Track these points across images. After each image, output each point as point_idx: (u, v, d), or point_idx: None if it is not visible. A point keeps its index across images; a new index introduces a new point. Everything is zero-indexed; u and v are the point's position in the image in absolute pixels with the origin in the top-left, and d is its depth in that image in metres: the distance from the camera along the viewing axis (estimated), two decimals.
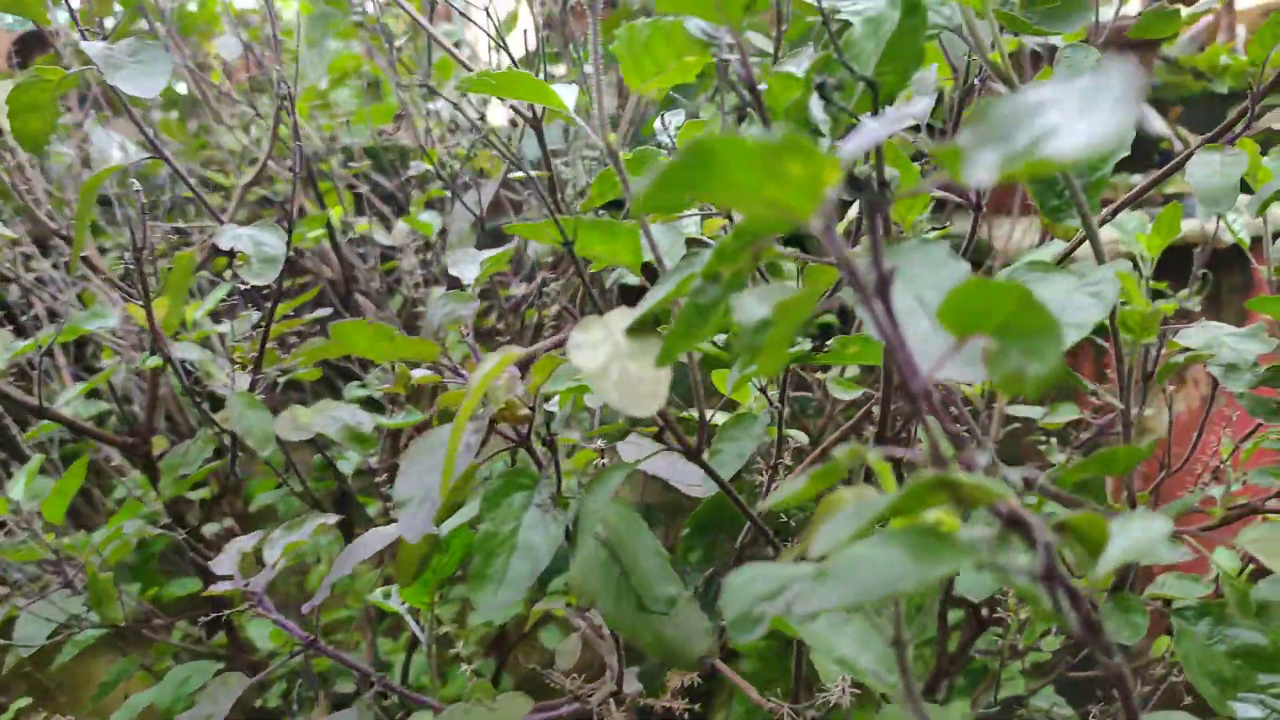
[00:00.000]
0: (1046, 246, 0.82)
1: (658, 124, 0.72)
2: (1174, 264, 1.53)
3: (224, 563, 0.76)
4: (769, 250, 0.49)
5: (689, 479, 0.90)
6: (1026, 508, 0.36)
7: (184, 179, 0.88)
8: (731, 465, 0.77)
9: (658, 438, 0.67)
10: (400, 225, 1.60)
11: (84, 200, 0.84)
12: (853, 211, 0.74)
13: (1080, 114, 0.28)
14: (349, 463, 1.31)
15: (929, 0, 0.59)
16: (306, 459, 1.54)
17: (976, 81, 0.67)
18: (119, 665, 1.52)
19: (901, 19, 0.48)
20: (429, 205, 1.59)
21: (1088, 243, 0.63)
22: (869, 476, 0.62)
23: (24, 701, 1.30)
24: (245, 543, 0.79)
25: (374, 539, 0.73)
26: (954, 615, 1.23)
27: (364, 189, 1.62)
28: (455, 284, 1.41)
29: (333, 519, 0.79)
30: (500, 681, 1.43)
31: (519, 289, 1.52)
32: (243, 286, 0.86)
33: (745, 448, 0.77)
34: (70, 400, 1.37)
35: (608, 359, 0.50)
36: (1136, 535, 0.38)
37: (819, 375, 1.27)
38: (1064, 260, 0.72)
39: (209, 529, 1.46)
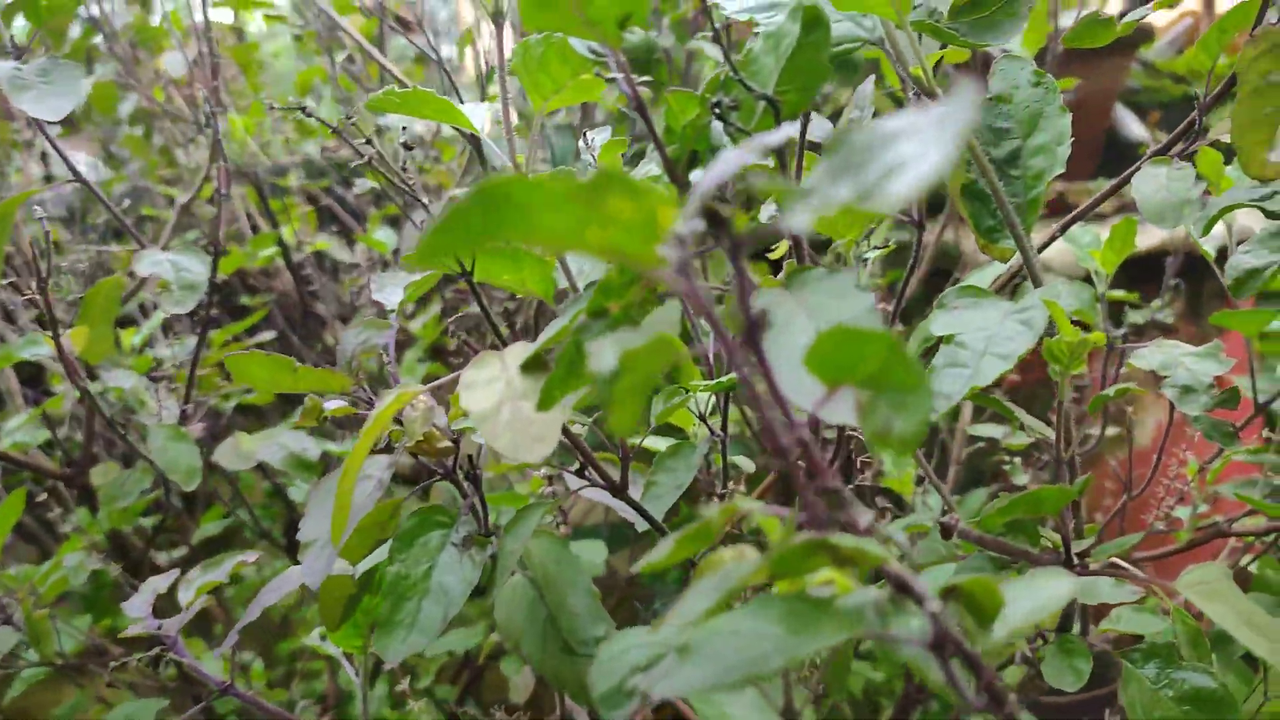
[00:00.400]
0: (990, 267, 0.79)
1: (581, 143, 0.69)
2: (1155, 270, 1.51)
3: (136, 604, 0.73)
4: (664, 283, 0.46)
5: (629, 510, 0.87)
6: (908, 567, 0.33)
7: (106, 204, 0.85)
8: (669, 498, 0.73)
9: (579, 474, 0.64)
10: (361, 245, 1.57)
11: (2, 225, 0.81)
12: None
13: (934, 144, 0.25)
14: (300, 489, 1.27)
15: (854, 13, 0.56)
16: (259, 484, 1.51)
17: (911, 95, 0.64)
18: (74, 699, 1.48)
19: (801, 34, 0.45)
20: (390, 221, 1.56)
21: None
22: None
23: None
24: (161, 582, 0.75)
25: (292, 577, 0.69)
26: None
27: (329, 202, 1.59)
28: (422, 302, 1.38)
29: (251, 556, 0.76)
30: (462, 711, 1.40)
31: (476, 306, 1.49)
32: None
33: (683, 479, 0.74)
34: (17, 428, 1.34)
35: (499, 399, 0.47)
36: (1041, 597, 0.35)
37: None
38: (1009, 284, 0.69)
39: (164, 557, 1.42)
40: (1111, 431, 1.00)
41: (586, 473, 0.63)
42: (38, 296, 0.77)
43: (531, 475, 1.05)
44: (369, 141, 0.69)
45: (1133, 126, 2.23)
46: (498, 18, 0.54)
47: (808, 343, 0.31)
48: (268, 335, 1.26)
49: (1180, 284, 1.41)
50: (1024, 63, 0.61)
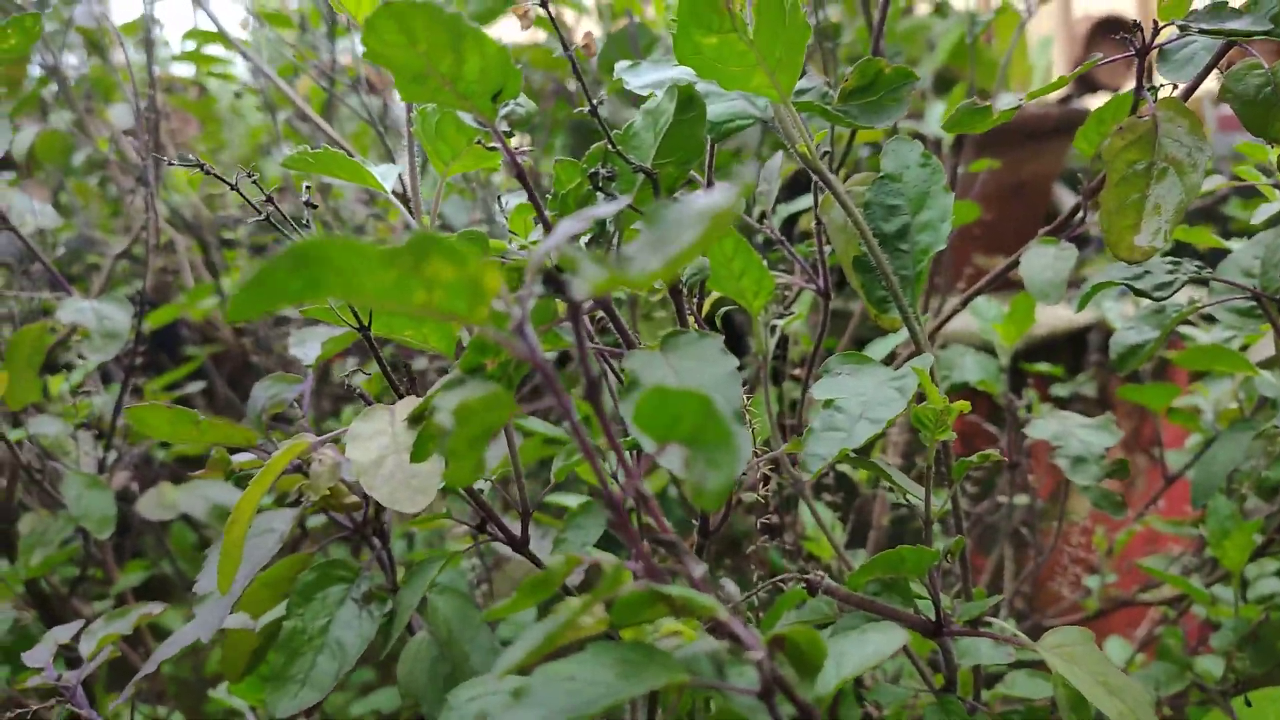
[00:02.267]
0: (889, 339, 0.82)
1: (495, 206, 0.71)
2: (1074, 353, 1.55)
3: (38, 655, 0.72)
4: (551, 335, 0.48)
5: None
6: (743, 619, 0.34)
7: (34, 250, 0.86)
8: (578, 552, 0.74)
9: (480, 529, 0.65)
10: None
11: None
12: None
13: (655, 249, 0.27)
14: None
15: (742, 94, 0.59)
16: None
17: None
18: None
19: (676, 112, 0.47)
20: None
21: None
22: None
23: None
24: (64, 633, 0.74)
25: (189, 633, 0.69)
26: None
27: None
28: (363, 353, 1.38)
29: (158, 608, 0.75)
30: None
31: (422, 362, 1.50)
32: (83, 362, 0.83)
33: (591, 536, 0.75)
34: None
35: (383, 452, 0.48)
36: (870, 648, 0.37)
37: None
38: (899, 355, 0.71)
39: (89, 609, 1.40)
40: (1024, 499, 1.02)
41: (488, 527, 0.64)
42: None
43: (454, 533, 1.05)
44: (308, 201, 0.70)
45: (1070, 201, 2.31)
46: (358, 83, 0.57)
47: (705, 375, 0.33)
48: (197, 387, 1.26)
49: (1101, 360, 1.45)
50: (913, 145, 0.64)
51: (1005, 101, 0.58)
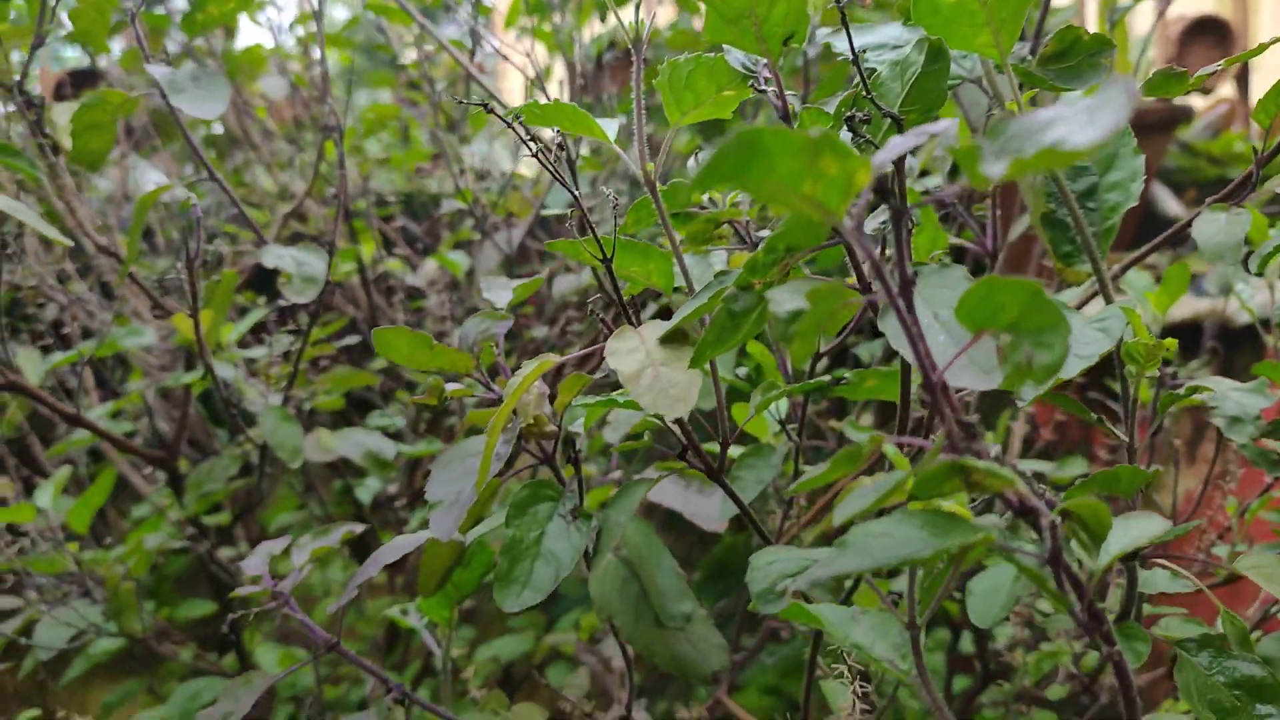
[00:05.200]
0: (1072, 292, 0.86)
1: (690, 163, 0.76)
2: (1188, 342, 1.56)
3: (254, 564, 0.79)
4: (796, 270, 0.53)
5: (703, 512, 0.92)
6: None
7: (233, 198, 0.92)
8: (750, 491, 0.79)
9: (681, 456, 0.70)
10: (427, 266, 1.65)
11: (138, 214, 0.88)
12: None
13: (1086, 125, 0.32)
14: (367, 490, 1.33)
15: (957, 52, 0.63)
16: (324, 491, 1.57)
17: None
18: (125, 686, 1.53)
19: (925, 63, 0.52)
20: (458, 247, 1.64)
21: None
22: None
23: (34, 712, 1.31)
24: (275, 546, 0.81)
25: (400, 544, 0.75)
26: (960, 683, 1.24)
27: (392, 233, 1.67)
28: None
29: (359, 528, 0.82)
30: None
31: (541, 331, 1.56)
32: (279, 307, 0.90)
33: (764, 475, 0.80)
34: (98, 418, 1.40)
35: (641, 365, 0.54)
36: (1136, 530, 0.41)
37: (832, 424, 1.29)
38: (1082, 305, 0.75)
39: (225, 553, 1.48)
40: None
41: (688, 456, 0.69)
42: (185, 273, 0.85)
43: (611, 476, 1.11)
44: (461, 172, 0.77)
45: (1169, 203, 2.30)
46: (638, 43, 0.62)
47: (955, 296, 0.37)
48: (353, 339, 1.33)
49: (1217, 347, 1.47)
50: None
51: (1208, 67, 0.62)
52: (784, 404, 0.83)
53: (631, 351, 0.55)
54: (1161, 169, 2.39)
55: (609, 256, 0.60)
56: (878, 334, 1.62)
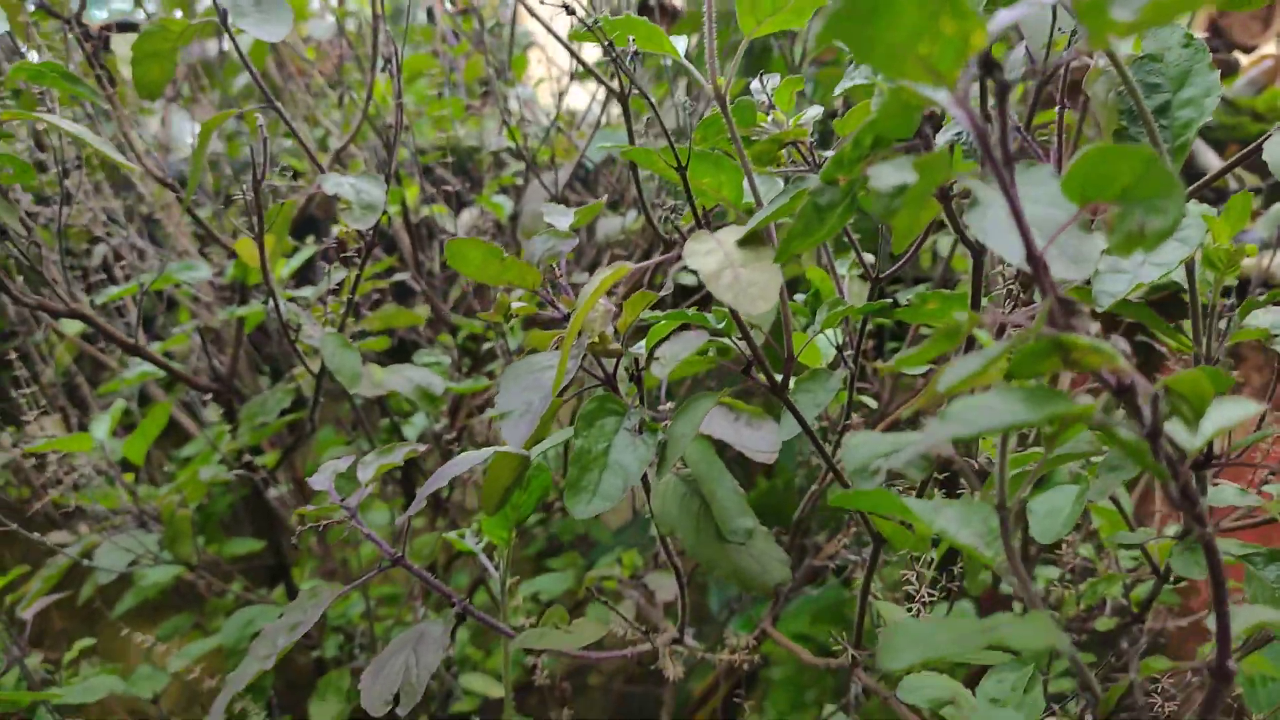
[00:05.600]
0: None
1: (754, 84, 0.76)
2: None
3: (321, 480, 0.80)
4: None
5: (753, 444, 0.93)
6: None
7: (290, 126, 0.93)
8: (809, 413, 0.79)
9: (745, 371, 0.71)
10: (466, 214, 1.66)
11: (203, 137, 0.89)
12: None
13: None
14: (414, 428, 1.35)
15: None
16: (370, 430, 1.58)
17: None
18: (174, 620, 1.56)
19: None
20: (501, 191, 1.64)
21: None
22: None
23: (88, 641, 1.35)
24: (340, 464, 0.82)
25: (467, 459, 0.76)
26: None
27: (429, 185, 1.68)
28: None
29: (422, 447, 0.83)
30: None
31: (581, 278, 1.57)
32: (325, 248, 0.90)
33: (821, 399, 0.80)
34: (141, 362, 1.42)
35: (720, 265, 0.54)
36: (1230, 411, 0.41)
37: (878, 364, 1.30)
38: None
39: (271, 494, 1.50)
40: None
41: (753, 370, 0.70)
42: (251, 196, 0.86)
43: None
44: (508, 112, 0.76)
45: (1209, 157, 2.28)
46: None
47: (1044, 189, 0.38)
48: (402, 275, 1.34)
49: (1263, 292, 1.46)
50: (1174, 28, 0.67)
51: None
52: (835, 336, 0.83)
53: (710, 253, 0.55)
54: (1202, 126, 2.37)
55: (684, 165, 0.61)
56: (918, 281, 1.61)
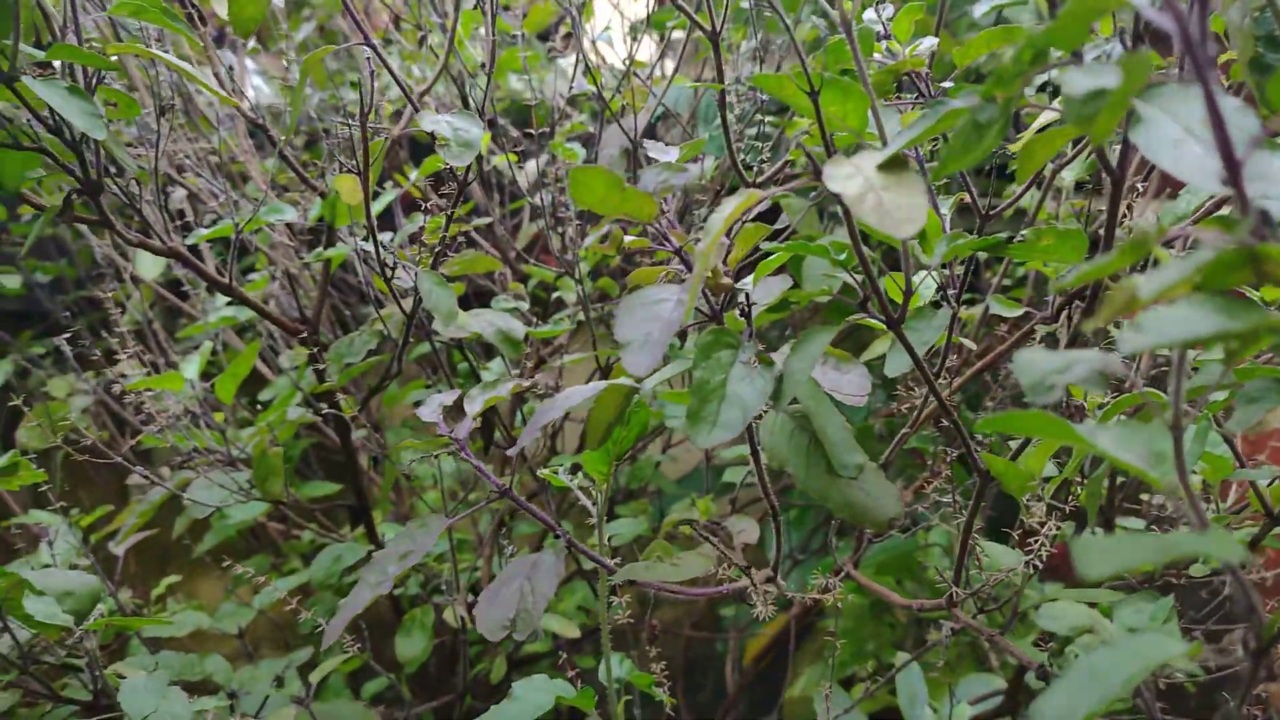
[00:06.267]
0: None
1: (869, 14, 0.75)
2: None
3: (427, 411, 0.81)
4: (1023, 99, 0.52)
5: (844, 387, 0.93)
6: None
7: (385, 63, 0.93)
8: (918, 350, 0.79)
9: (861, 306, 0.70)
10: (530, 165, 1.65)
11: (304, 73, 0.90)
12: None
13: None
14: (491, 374, 1.36)
15: None
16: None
17: None
18: (252, 560, 1.60)
19: None
20: (572, 140, 1.64)
21: None
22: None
23: (175, 578, 1.38)
24: (445, 398, 0.83)
25: (579, 392, 0.77)
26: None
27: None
28: (586, 218, 1.45)
29: (527, 382, 0.84)
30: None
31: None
32: (403, 192, 0.90)
33: (928, 336, 0.80)
34: (221, 307, 1.44)
35: (863, 189, 0.54)
36: None
37: (963, 312, 1.28)
38: None
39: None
40: None
41: (868, 305, 0.70)
42: (357, 127, 0.86)
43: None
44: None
45: None
46: None
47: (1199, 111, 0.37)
48: (483, 221, 1.35)
49: None
50: None
51: None
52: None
53: (849, 177, 0.55)
54: None
55: (817, 90, 0.60)
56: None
